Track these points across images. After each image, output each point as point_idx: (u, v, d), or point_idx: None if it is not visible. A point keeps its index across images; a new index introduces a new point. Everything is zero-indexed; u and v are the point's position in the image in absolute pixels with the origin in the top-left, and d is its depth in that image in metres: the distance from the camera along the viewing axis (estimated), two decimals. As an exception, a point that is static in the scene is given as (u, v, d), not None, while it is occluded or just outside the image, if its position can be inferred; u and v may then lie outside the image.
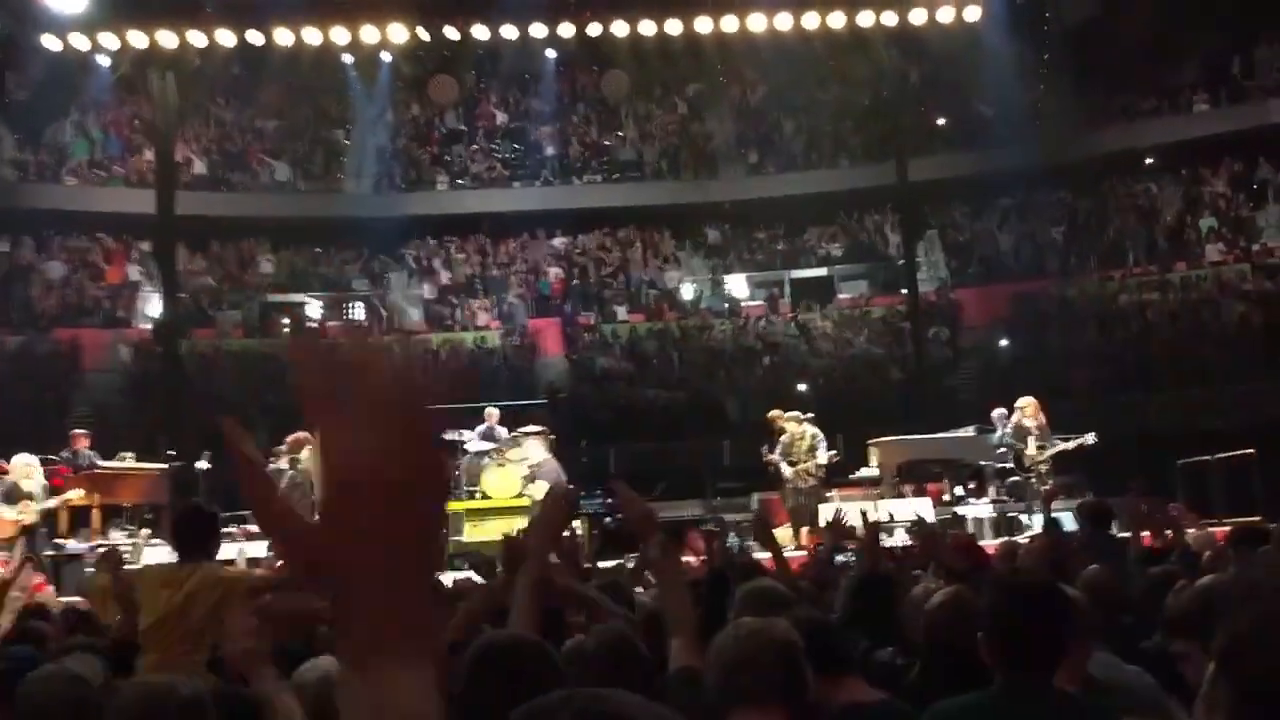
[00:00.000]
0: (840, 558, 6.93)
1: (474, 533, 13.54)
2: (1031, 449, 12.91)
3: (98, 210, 23.66)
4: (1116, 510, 7.67)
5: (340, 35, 18.78)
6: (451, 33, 19.46)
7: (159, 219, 19.38)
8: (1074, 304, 22.99)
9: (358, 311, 25.10)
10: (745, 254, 26.40)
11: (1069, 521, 9.80)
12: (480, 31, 19.40)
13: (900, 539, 10.39)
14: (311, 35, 18.64)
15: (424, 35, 19.41)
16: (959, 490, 14.79)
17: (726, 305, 25.19)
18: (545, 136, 26.87)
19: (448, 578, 8.22)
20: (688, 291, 25.66)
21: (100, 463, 13.40)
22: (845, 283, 25.48)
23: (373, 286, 25.65)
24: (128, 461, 13.88)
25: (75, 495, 12.36)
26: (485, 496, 14.41)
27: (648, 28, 19.18)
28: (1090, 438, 13.12)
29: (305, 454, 11.27)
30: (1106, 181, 24.85)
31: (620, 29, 19.33)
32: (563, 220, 26.17)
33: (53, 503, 11.94)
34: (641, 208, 26.12)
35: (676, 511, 14.73)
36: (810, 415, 14.01)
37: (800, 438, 13.52)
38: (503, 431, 15.16)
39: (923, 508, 13.55)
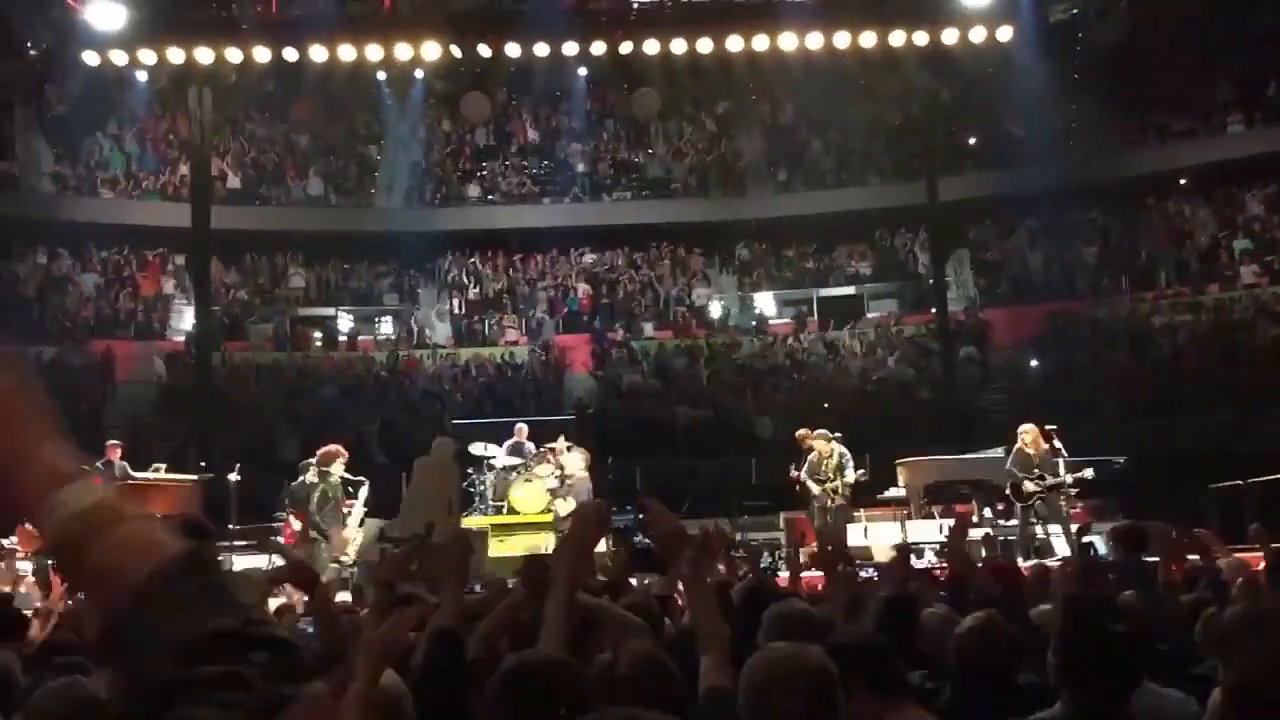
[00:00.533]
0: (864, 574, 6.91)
1: (500, 548, 13.56)
2: (1030, 482, 12.71)
3: (133, 223, 23.95)
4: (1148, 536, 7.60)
5: (374, 52, 18.96)
6: (484, 50, 19.61)
7: (193, 232, 19.58)
8: (1105, 325, 22.83)
9: (386, 325, 25.28)
10: (774, 272, 26.40)
11: (1101, 546, 9.72)
12: (512, 49, 19.53)
13: (930, 559, 10.33)
14: (346, 52, 18.83)
15: (457, 53, 19.56)
16: (987, 512, 14.68)
17: (755, 323, 25.19)
18: (575, 153, 27.00)
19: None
20: (716, 309, 25.66)
21: (133, 474, 13.52)
22: (874, 301, 25.42)
23: (403, 301, 25.81)
24: (160, 473, 14.00)
25: None
26: (513, 511, 14.45)
27: (679, 46, 19.25)
28: (1089, 472, 12.96)
29: (336, 466, 11.33)
30: (1139, 202, 24.71)
31: (651, 47, 19.40)
32: (592, 237, 26.25)
33: None
34: (671, 225, 26.17)
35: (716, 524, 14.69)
36: (838, 435, 13.97)
37: (829, 456, 13.49)
38: (530, 447, 15.21)
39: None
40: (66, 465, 1.09)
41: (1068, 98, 24.74)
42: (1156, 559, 7.04)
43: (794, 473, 13.80)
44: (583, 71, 24.60)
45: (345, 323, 25.06)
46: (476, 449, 15.33)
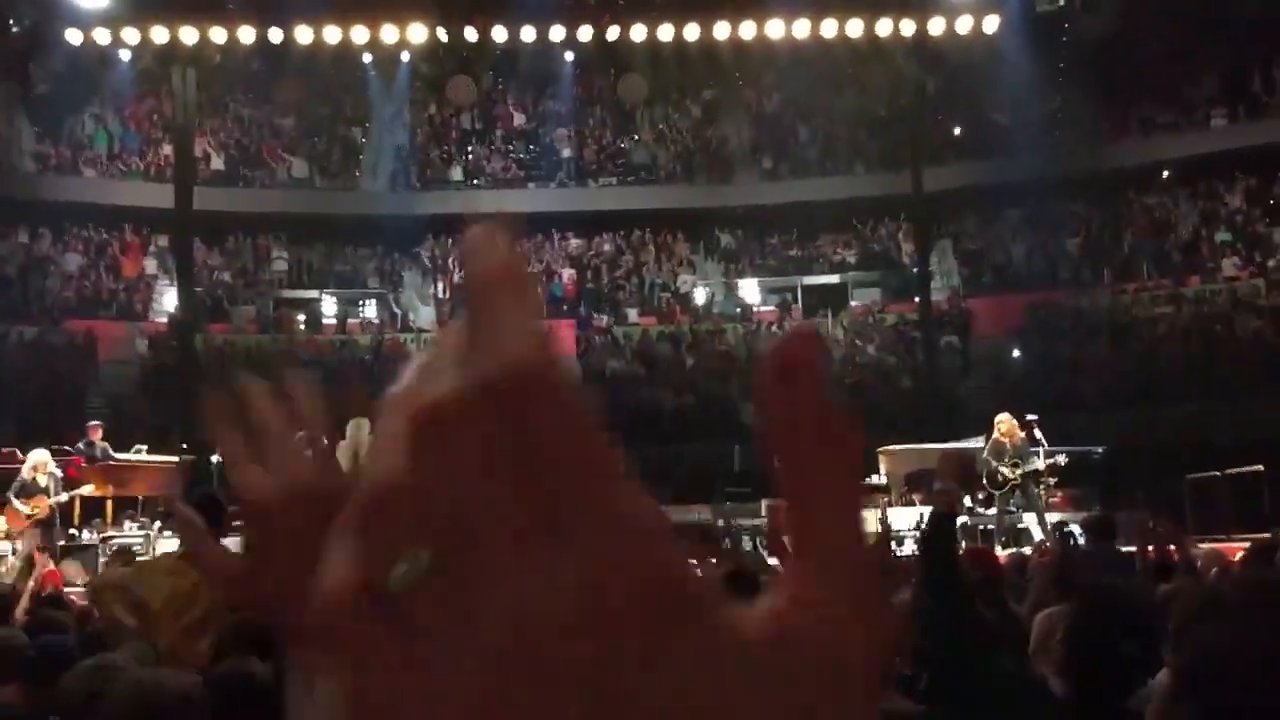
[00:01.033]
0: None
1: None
2: (1005, 469, 12.83)
3: (116, 203, 23.83)
4: (1122, 524, 7.70)
5: (360, 34, 18.92)
6: (470, 34, 19.59)
7: (176, 213, 19.51)
8: (1087, 316, 22.98)
9: (370, 309, 25.23)
10: (758, 259, 26.45)
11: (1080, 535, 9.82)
12: (499, 33, 19.52)
13: (910, 548, 10.40)
14: (331, 34, 18.78)
15: (443, 36, 19.54)
16: (967, 500, 14.79)
17: (739, 310, 25.24)
18: (561, 138, 26.97)
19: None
20: (700, 295, 25.71)
21: (115, 455, 13.50)
22: (858, 290, 25.50)
23: (386, 285, 25.77)
24: (142, 454, 13.98)
25: (87, 489, 12.49)
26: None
27: (666, 32, 19.27)
28: (1062, 459, 13.08)
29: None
30: (1122, 194, 24.84)
31: (638, 33, 19.42)
32: (577, 222, 26.24)
33: (64, 497, 12.05)
34: (656, 211, 26.18)
35: (685, 516, 14.77)
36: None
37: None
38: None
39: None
40: None
41: (1053, 89, 24.85)
42: (1129, 548, 7.14)
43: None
44: (569, 57, 24.57)
45: (329, 306, 25.00)
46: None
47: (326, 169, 26.22)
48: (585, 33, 19.76)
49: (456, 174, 26.51)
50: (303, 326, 24.32)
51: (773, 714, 0.37)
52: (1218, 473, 14.21)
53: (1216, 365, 20.35)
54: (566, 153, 26.76)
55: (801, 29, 18.95)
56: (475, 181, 26.40)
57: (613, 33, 19.64)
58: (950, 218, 25.36)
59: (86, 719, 2.73)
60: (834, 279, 25.70)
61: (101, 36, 18.41)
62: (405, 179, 26.09)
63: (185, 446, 14.82)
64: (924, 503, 14.34)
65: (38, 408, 18.39)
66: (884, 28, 18.93)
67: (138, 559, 9.91)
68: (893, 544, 6.03)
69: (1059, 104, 25.13)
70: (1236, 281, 22.59)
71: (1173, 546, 6.76)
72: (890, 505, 14.05)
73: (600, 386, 22.49)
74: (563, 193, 26.07)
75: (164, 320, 23.13)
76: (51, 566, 10.09)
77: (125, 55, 20.18)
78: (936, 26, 18.88)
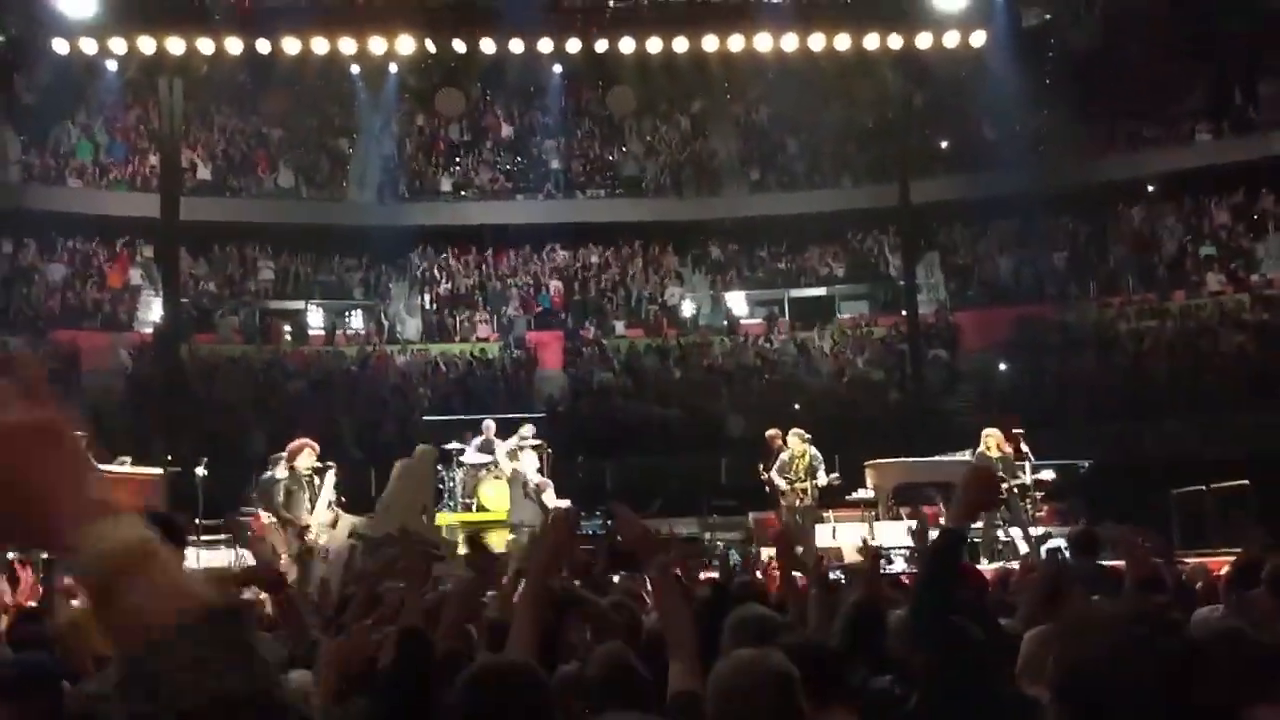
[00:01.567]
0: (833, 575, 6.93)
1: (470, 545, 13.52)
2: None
3: (101, 213, 23.72)
4: (1107, 539, 7.69)
5: (347, 45, 18.86)
6: (459, 45, 19.56)
7: (162, 223, 19.40)
8: (1073, 330, 23.04)
9: (356, 320, 25.16)
10: (746, 271, 26.47)
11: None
12: (487, 45, 19.48)
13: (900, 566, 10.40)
14: (319, 45, 18.71)
15: (431, 47, 19.50)
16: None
17: (726, 322, 25.24)
18: (549, 150, 26.98)
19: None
20: (688, 308, 25.71)
21: (98, 466, 13.39)
22: (845, 302, 25.54)
23: (373, 296, 25.70)
24: (126, 465, 13.87)
25: None
26: (482, 509, 14.42)
27: (654, 45, 19.27)
28: (1048, 474, 13.12)
29: (303, 459, 11.24)
30: (1108, 208, 24.95)
31: (626, 45, 19.41)
32: (565, 234, 26.24)
33: None
34: (643, 223, 26.21)
35: (672, 529, 14.73)
36: (808, 436, 14.04)
37: (801, 456, 13.53)
38: (500, 444, 15.18)
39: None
40: (101, 498, 1.04)
41: (1039, 103, 24.97)
42: (1112, 563, 7.14)
43: (765, 473, 13.84)
44: (558, 69, 24.59)
45: (315, 317, 24.92)
46: (446, 446, 15.30)
47: (314, 180, 26.17)
48: (573, 45, 19.74)
49: (444, 185, 26.48)
50: (289, 337, 24.23)
51: None
52: (1203, 487, 14.23)
53: (1202, 380, 20.42)
54: (555, 164, 26.77)
55: (789, 42, 18.97)
56: (463, 193, 26.38)
57: (601, 45, 19.63)
58: (937, 231, 25.44)
59: None
60: (821, 291, 25.73)
61: (88, 46, 18.30)
62: (393, 190, 26.05)
63: (169, 458, 14.72)
64: (911, 516, 14.35)
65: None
66: (871, 42, 18.96)
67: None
68: (880, 561, 6.00)
69: (1045, 118, 25.25)
70: (1221, 296, 22.69)
71: (1160, 561, 6.75)
72: (877, 519, 14.04)
73: (588, 399, 22.47)
74: (551, 204, 26.06)
75: (149, 331, 23.02)
76: (30, 578, 9.99)
77: (112, 65, 20.08)
78: (924, 41, 18.92)
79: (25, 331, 22.01)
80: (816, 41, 18.98)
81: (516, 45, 19.60)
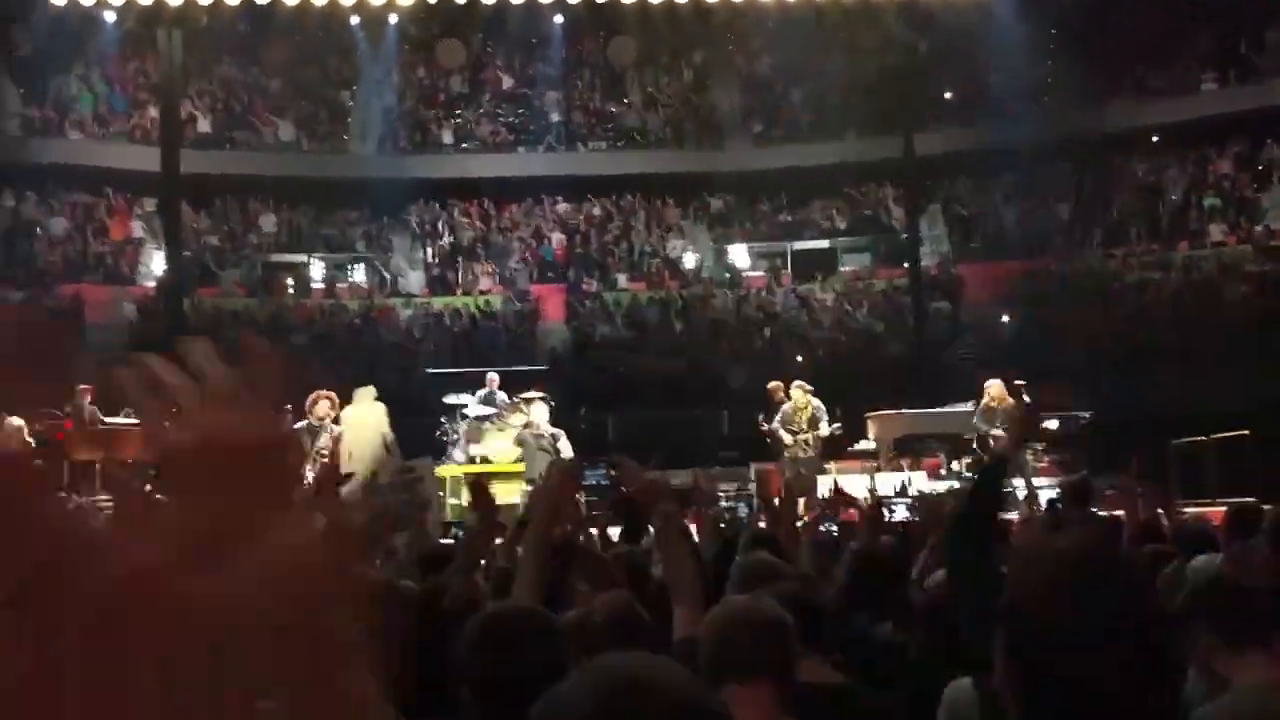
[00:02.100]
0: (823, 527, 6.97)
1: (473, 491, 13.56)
2: (998, 432, 12.88)
3: (102, 166, 23.64)
4: (1107, 489, 7.75)
5: (347, -5, 18.72)
6: (459, -5, 19.40)
7: (163, 176, 19.35)
8: (1075, 281, 23.00)
9: (358, 273, 25.14)
10: (748, 224, 26.40)
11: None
12: (488, -6, 19.33)
13: (902, 514, 10.47)
14: (319, -5, 18.57)
15: (431, -3, 19.35)
16: (955, 465, 14.87)
17: (728, 275, 25.21)
18: (551, 102, 26.81)
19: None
20: (690, 261, 25.67)
21: (103, 418, 13.45)
22: (848, 255, 25.48)
23: (374, 249, 25.67)
24: (130, 418, 13.93)
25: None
26: (485, 461, 14.48)
27: (656, -6, 19.12)
28: (1053, 424, 13.15)
29: (318, 409, 11.26)
30: (1112, 159, 24.81)
31: (628, -5, 19.26)
32: (566, 186, 26.14)
33: None
34: (646, 175, 26.08)
35: (674, 481, 14.80)
36: (811, 388, 14.07)
37: (803, 408, 13.57)
38: (503, 396, 15.22)
39: (918, 481, 13.65)
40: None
41: (1044, 53, 24.74)
42: (1106, 512, 7.20)
43: (764, 426, 13.89)
44: (559, 19, 24.40)
45: (317, 270, 24.89)
46: (449, 398, 15.34)
47: (314, 132, 26.04)
48: (575, -6, 19.62)
49: (446, 137, 26.34)
50: (291, 291, 24.22)
51: None
52: (1204, 438, 14.27)
53: (1204, 330, 20.40)
54: (556, 116, 26.62)
55: (793, -9, 18.83)
56: (464, 145, 26.25)
57: (602, -5, 19.50)
58: (941, 182, 25.33)
59: None
60: (824, 244, 25.66)
61: (85, -3, 18.19)
62: (394, 142, 25.93)
63: (175, 410, 14.76)
64: (912, 468, 14.41)
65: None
66: (876, -10, 18.82)
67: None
68: (882, 509, 6.05)
69: (1050, 68, 25.03)
70: (1225, 247, 22.62)
71: (1160, 510, 6.81)
72: (879, 470, 14.11)
73: (590, 351, 22.50)
74: (552, 156, 25.94)
75: (151, 284, 23.03)
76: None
77: (110, 16, 19.95)
78: (928, -11, 18.78)
79: (29, 285, 22.02)
80: (820, -10, 18.82)
81: (517, -5, 19.45)
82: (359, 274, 25.15)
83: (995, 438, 12.85)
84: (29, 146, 23.40)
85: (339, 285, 24.59)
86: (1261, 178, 23.56)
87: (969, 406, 15.04)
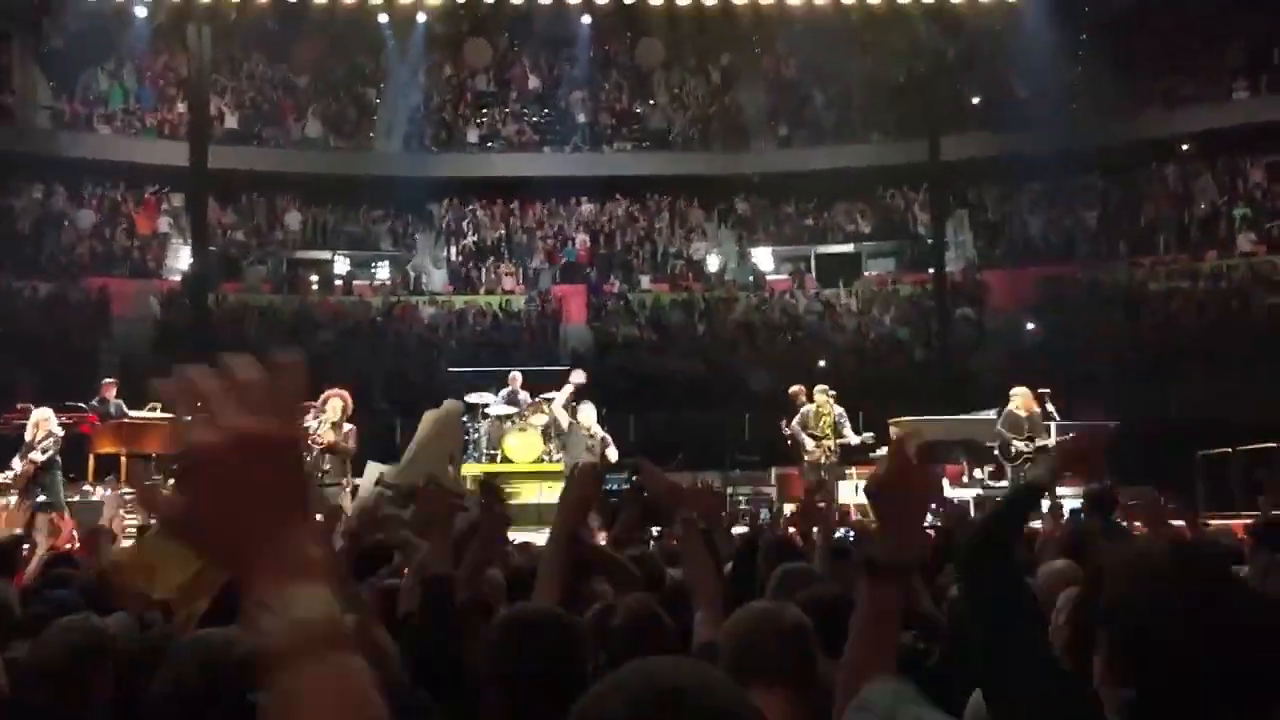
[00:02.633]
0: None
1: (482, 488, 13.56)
2: (1020, 442, 12.78)
3: (130, 160, 23.80)
4: (1130, 500, 7.68)
5: (376, -6, 18.78)
6: (487, -5, 19.44)
7: (191, 171, 19.46)
8: (1102, 289, 22.84)
9: (382, 271, 25.21)
10: (773, 227, 26.34)
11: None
12: (516, -5, 19.36)
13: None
14: (347, -7, 18.64)
15: (459, -3, 19.39)
16: (978, 473, 14.76)
17: (752, 278, 25.16)
18: (577, 102, 26.82)
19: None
20: (714, 263, 25.63)
21: (129, 412, 13.54)
22: (872, 260, 25.40)
23: (399, 246, 25.75)
24: (156, 412, 14.02)
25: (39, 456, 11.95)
26: (507, 460, 14.51)
27: (684, -4, 19.10)
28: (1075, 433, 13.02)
29: (331, 407, 11.27)
30: (1141, 167, 24.63)
31: (656, -3, 19.26)
32: (591, 187, 26.15)
33: (41, 456, 11.59)
34: (670, 177, 26.06)
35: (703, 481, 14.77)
36: (834, 393, 14.00)
37: (826, 413, 13.49)
38: (525, 396, 15.24)
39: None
40: (308, 555, 0.93)
41: (1073, 59, 24.59)
42: (1127, 522, 7.13)
43: (786, 427, 13.82)
44: (586, 20, 24.39)
45: (341, 267, 25.00)
46: (471, 397, 15.37)
47: (341, 129, 26.14)
48: (603, -5, 19.62)
49: (471, 136, 26.40)
50: (315, 287, 24.32)
51: None
52: (1230, 449, 14.14)
53: (1232, 340, 20.22)
54: (581, 117, 26.63)
55: (820, -5, 18.79)
56: (490, 144, 26.30)
57: (630, -4, 19.50)
58: (967, 188, 25.20)
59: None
60: (848, 248, 25.59)
61: (117, -8, 18.32)
62: (419, 140, 26.00)
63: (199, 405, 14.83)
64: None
65: (51, 364, 18.44)
66: (904, -6, 18.75)
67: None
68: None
69: (1079, 74, 24.88)
70: (1254, 257, 22.43)
71: (1183, 523, 6.74)
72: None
73: (613, 352, 22.49)
74: (577, 157, 25.95)
75: (177, 279, 23.17)
76: (71, 524, 10.14)
77: (141, 11, 20.08)
78: (957, -6, 18.70)
79: (56, 278, 22.19)
80: (848, -6, 18.77)
81: (545, -5, 19.48)
82: (383, 271, 25.24)
83: (1017, 447, 12.76)
84: (58, 140, 23.58)
85: (363, 282, 24.67)
86: (1292, 187, 23.34)
87: (992, 414, 14.95)
